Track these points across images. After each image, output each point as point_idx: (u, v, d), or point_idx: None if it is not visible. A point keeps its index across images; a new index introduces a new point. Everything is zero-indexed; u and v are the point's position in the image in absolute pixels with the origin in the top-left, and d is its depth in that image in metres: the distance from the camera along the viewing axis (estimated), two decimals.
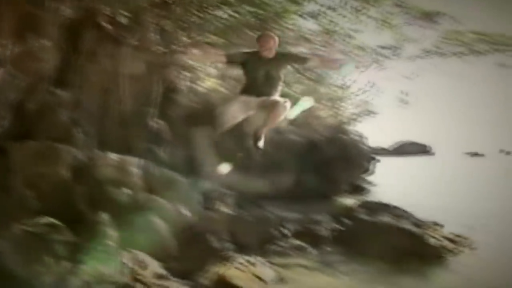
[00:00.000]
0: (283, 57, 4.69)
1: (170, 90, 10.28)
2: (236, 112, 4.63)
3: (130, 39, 9.07)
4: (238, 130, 4.91)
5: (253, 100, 4.60)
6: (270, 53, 4.58)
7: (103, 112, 9.22)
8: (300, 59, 4.96)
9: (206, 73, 10.45)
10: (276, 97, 4.63)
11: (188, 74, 10.48)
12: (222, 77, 10.69)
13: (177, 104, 10.54)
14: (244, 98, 4.61)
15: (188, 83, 10.71)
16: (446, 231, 11.38)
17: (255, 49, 4.64)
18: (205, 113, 11.13)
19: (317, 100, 13.06)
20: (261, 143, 4.72)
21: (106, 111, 9.27)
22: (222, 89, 10.98)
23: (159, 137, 9.92)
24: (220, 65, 10.61)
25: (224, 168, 5.15)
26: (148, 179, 8.57)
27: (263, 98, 4.61)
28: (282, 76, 4.68)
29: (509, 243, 10.87)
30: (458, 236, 11.10)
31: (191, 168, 10.14)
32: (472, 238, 11.05)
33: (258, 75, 4.57)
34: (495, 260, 9.67)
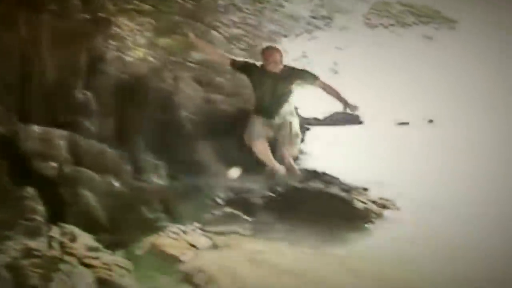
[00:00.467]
0: (291, 73, 4.39)
1: (96, 60, 9.92)
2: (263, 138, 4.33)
3: (50, 5, 8.61)
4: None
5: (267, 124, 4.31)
6: (275, 67, 4.25)
7: (24, 83, 8.76)
8: (309, 77, 4.57)
9: (135, 42, 10.15)
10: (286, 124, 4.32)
11: (115, 43, 10.14)
12: (151, 46, 10.43)
13: (104, 74, 10.19)
14: (260, 120, 4.30)
15: (116, 53, 10.37)
16: (373, 195, 11.96)
17: (261, 62, 4.34)
18: (134, 84, 10.90)
19: None
20: (294, 166, 4.44)
21: (28, 82, 8.82)
22: (151, 59, 10.73)
23: (86, 108, 9.60)
24: (148, 34, 10.36)
25: (234, 172, 5.00)
26: (75, 152, 8.31)
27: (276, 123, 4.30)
28: (291, 94, 4.34)
29: (428, 205, 11.59)
30: (383, 199, 11.72)
31: (121, 139, 9.93)
32: (396, 201, 11.72)
33: (264, 91, 4.26)
34: (417, 220, 10.32)
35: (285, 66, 4.34)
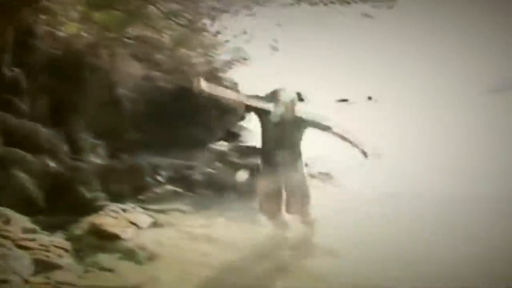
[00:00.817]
0: (303, 122, 4.14)
1: (25, 35, 9.46)
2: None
3: None
4: None
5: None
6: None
7: None
8: (321, 127, 4.31)
9: (67, 17, 9.75)
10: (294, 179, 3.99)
11: (45, 18, 9.69)
12: (85, 21, 10.06)
13: (35, 50, 9.75)
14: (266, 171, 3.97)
15: (47, 28, 9.93)
16: (313, 170, 12.26)
17: (273, 106, 4.08)
18: (69, 61, 10.49)
19: (189, 47, 12.94)
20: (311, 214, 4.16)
21: None
22: (84, 34, 10.36)
23: (16, 86, 9.17)
24: (82, 8, 9.98)
25: (242, 175, 4.88)
26: (6, 132, 7.98)
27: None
28: (299, 145, 4.04)
29: (368, 181, 12.03)
30: (322, 174, 12.06)
31: (57, 118, 9.61)
32: (335, 176, 12.09)
33: (271, 137, 4.01)
34: (357, 195, 10.70)
35: (297, 115, 4.09)
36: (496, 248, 6.49)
